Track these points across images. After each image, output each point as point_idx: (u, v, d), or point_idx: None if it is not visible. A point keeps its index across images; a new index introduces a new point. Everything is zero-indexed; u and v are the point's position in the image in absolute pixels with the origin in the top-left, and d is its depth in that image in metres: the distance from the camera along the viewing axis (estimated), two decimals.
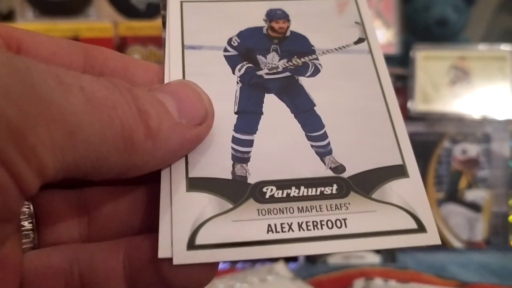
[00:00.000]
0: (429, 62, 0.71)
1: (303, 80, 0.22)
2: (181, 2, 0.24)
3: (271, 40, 0.23)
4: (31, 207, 0.20)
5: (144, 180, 0.19)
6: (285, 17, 0.24)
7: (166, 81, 0.21)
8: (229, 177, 0.19)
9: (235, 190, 0.19)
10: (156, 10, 0.73)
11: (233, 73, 0.22)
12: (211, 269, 0.18)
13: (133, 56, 0.68)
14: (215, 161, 0.20)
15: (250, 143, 0.20)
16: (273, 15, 0.24)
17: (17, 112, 0.13)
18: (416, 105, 0.69)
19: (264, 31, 0.23)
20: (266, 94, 0.22)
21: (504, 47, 0.70)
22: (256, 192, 0.19)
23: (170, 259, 0.18)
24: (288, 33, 0.24)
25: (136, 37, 0.67)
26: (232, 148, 0.20)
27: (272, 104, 0.21)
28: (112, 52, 0.21)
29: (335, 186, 0.19)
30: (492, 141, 0.67)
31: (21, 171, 0.13)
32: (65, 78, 0.15)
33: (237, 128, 0.21)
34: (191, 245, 0.18)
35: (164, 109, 0.17)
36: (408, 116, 0.68)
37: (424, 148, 0.67)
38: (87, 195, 0.21)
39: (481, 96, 0.69)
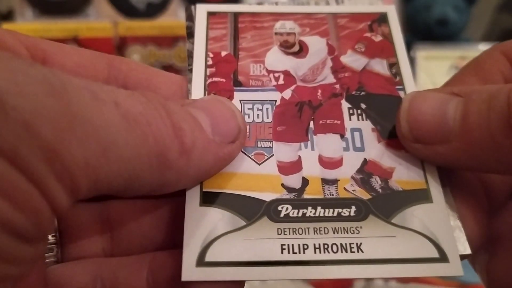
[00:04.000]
0: (430, 62, 0.71)
1: None
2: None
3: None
4: (55, 221, 0.20)
5: (168, 194, 0.19)
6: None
7: (193, 92, 0.21)
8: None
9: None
10: (156, 10, 0.73)
11: None
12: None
13: (133, 56, 0.68)
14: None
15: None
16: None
17: (52, 131, 0.13)
18: None
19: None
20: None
21: None
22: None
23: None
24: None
25: (136, 37, 0.67)
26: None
27: None
28: (136, 63, 0.21)
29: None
30: None
31: (53, 191, 0.13)
32: (100, 93, 0.14)
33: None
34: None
35: (198, 125, 0.17)
36: None
37: None
38: (110, 208, 0.21)
39: None
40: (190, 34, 0.23)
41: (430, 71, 0.71)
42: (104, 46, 0.65)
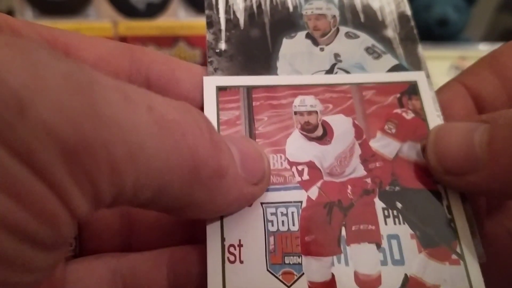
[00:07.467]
0: (430, 62, 0.71)
1: None
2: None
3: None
4: (76, 227, 0.19)
5: None
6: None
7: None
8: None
9: None
10: (156, 10, 0.73)
11: None
12: None
13: None
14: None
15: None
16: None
17: (72, 132, 0.11)
18: None
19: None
20: None
21: None
22: None
23: None
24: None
25: (136, 37, 0.67)
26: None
27: None
28: (157, 54, 0.20)
29: None
30: None
31: (73, 197, 0.12)
32: (132, 95, 0.13)
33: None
34: None
35: (231, 154, 0.16)
36: None
37: None
38: None
39: None
40: (210, 23, 0.22)
41: (430, 71, 0.70)
42: None
